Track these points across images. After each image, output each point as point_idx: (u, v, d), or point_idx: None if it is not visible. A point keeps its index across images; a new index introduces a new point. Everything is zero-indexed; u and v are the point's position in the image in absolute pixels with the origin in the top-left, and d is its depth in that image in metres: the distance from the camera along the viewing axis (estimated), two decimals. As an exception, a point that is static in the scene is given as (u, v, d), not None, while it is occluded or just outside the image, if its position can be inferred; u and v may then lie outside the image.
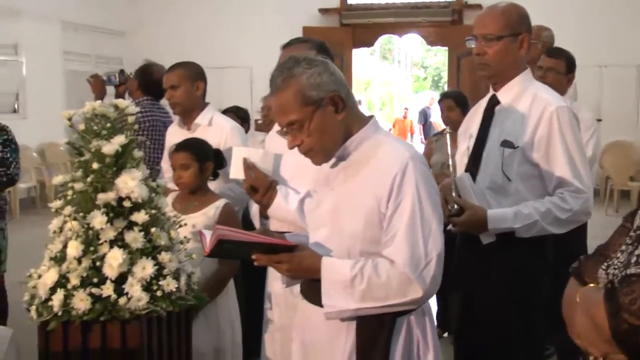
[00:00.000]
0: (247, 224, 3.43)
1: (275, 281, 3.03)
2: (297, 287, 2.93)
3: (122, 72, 5.17)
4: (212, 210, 3.37)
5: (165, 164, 4.10)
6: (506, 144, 2.76)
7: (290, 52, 2.97)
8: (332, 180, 2.27)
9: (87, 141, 2.69)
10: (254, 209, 3.13)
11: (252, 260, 2.16)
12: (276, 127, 3.29)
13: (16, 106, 11.79)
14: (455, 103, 5.45)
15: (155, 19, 13.88)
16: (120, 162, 2.69)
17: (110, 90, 5.38)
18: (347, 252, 2.16)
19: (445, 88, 29.10)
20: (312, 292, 2.20)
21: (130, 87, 5.02)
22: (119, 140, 2.66)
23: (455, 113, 5.42)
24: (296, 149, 2.95)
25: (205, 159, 3.44)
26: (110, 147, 2.63)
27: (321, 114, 2.14)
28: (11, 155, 4.48)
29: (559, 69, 4.27)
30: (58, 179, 2.71)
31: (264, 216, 3.07)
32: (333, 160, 2.26)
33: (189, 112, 3.96)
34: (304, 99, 2.12)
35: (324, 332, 2.21)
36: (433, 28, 13.45)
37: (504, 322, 2.75)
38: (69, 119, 2.75)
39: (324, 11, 13.50)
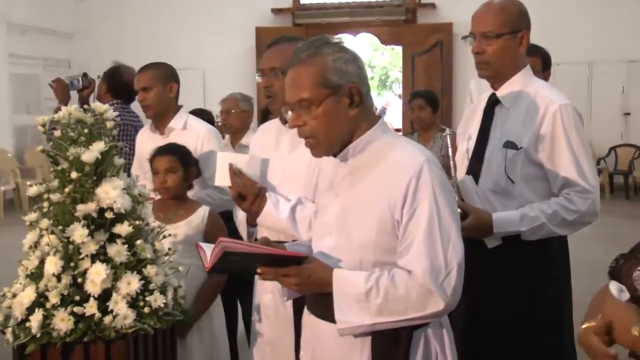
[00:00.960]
0: (231, 232, 3.26)
1: (264, 293, 2.88)
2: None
3: (85, 75, 4.90)
4: (197, 219, 3.22)
5: (136, 171, 3.91)
6: (509, 145, 2.67)
7: (275, 50, 2.83)
8: (336, 185, 2.13)
9: (64, 149, 2.49)
10: (240, 216, 2.97)
11: (256, 273, 2.01)
12: (261, 129, 3.14)
13: (-40, 112, 11.39)
14: (426, 102, 5.38)
15: (104, 20, 13.55)
16: (99, 170, 2.52)
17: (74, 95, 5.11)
18: (359, 262, 2.01)
19: (394, 88, 29.31)
20: (322, 306, 2.05)
21: (99, 90, 4.76)
22: (98, 147, 2.48)
23: (426, 113, 5.35)
24: (283, 153, 2.83)
25: (189, 164, 3.30)
26: (90, 154, 2.44)
27: (334, 102, 2.00)
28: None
29: (535, 67, 4.20)
30: (33, 190, 2.51)
31: (251, 224, 2.92)
32: (338, 163, 2.12)
33: (162, 115, 3.76)
34: (322, 79, 1.99)
35: (336, 349, 2.06)
36: (387, 27, 13.43)
37: (512, 327, 2.67)
38: (43, 125, 2.54)
39: (276, 11, 13.37)
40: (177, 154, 3.27)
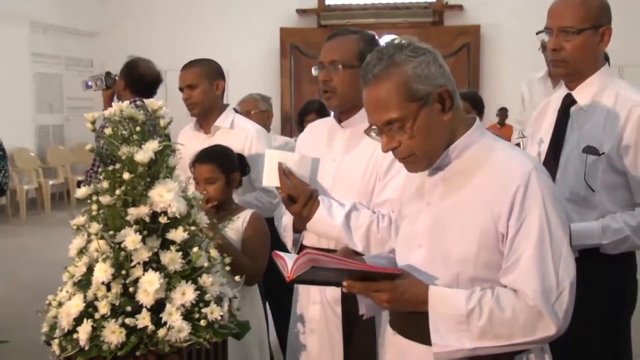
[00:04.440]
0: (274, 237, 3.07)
1: (309, 304, 2.69)
2: (338, 310, 2.61)
3: (108, 74, 4.60)
4: (238, 222, 3.03)
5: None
6: (589, 150, 2.47)
7: (336, 42, 2.66)
8: (427, 194, 1.93)
9: (115, 148, 2.32)
10: (285, 220, 2.78)
11: (341, 286, 1.82)
12: (311, 127, 2.95)
13: (-17, 110, 11.30)
14: (472, 105, 5.18)
15: (127, 19, 13.46)
16: (151, 171, 2.35)
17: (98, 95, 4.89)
18: (457, 278, 1.82)
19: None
20: (413, 326, 1.87)
21: (118, 87, 4.47)
22: (152, 146, 2.31)
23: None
24: (336, 154, 2.64)
25: (232, 169, 3.09)
26: (144, 154, 2.26)
27: (427, 113, 1.80)
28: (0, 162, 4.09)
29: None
30: (82, 192, 2.34)
31: (298, 230, 2.73)
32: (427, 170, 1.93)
33: (208, 113, 3.59)
34: (408, 93, 1.78)
35: None
36: (413, 29, 13.18)
37: (593, 348, 2.48)
38: (93, 123, 2.37)
39: (301, 12, 13.24)
40: (217, 160, 3.06)
